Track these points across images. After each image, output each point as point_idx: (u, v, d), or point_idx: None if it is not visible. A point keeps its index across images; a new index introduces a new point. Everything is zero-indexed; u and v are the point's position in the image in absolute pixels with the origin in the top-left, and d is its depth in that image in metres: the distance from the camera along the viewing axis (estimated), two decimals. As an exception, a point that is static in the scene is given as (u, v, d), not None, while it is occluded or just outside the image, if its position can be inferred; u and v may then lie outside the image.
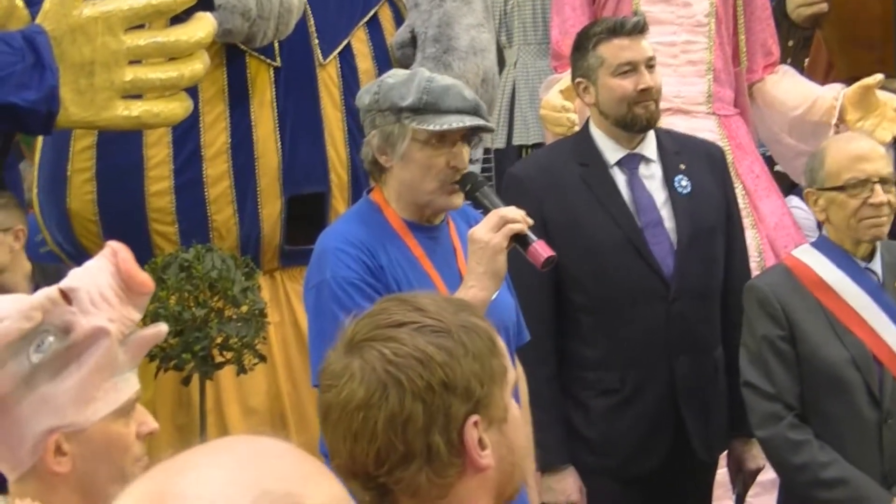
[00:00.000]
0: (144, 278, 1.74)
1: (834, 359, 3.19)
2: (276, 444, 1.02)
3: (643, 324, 3.36)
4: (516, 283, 3.14)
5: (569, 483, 3.37)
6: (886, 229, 3.23)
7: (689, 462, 3.42)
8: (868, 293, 3.22)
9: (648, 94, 3.37)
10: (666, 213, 3.42)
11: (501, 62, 5.83)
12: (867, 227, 3.21)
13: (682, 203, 3.42)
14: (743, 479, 3.61)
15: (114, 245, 1.74)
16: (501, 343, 1.66)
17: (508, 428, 1.63)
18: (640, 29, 3.41)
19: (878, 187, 3.17)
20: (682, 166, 3.46)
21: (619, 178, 3.43)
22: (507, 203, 2.78)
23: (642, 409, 3.38)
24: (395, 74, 2.85)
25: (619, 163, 3.43)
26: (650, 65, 3.40)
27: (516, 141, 6.03)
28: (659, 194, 3.43)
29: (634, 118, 3.39)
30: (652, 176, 3.45)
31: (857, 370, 3.18)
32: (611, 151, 3.44)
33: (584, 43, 3.46)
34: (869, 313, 3.21)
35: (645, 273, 3.36)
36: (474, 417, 1.57)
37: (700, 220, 3.43)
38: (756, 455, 3.48)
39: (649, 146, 3.46)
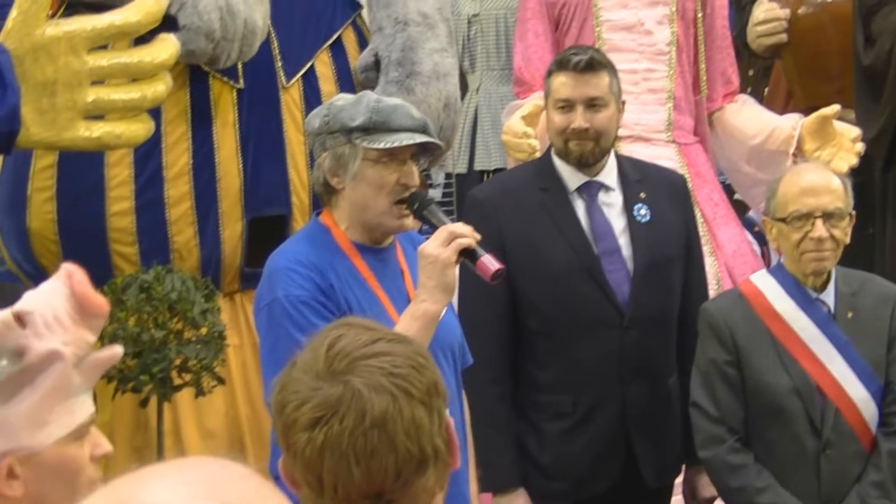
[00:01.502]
0: (99, 301, 1.74)
1: (777, 387, 3.24)
2: (239, 467, 1.03)
3: (597, 350, 3.39)
4: (471, 303, 3.18)
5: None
6: (829, 264, 3.27)
7: (641, 488, 3.45)
8: (816, 324, 3.27)
9: (583, 134, 3.41)
10: (624, 241, 3.45)
11: (464, 87, 5.87)
12: (808, 260, 3.26)
13: (641, 231, 3.45)
14: None
15: (68, 267, 1.73)
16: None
17: None
18: (582, 67, 3.43)
19: (818, 222, 3.21)
20: (643, 195, 3.49)
21: (579, 205, 3.46)
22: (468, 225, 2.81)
23: (594, 434, 3.40)
24: (343, 98, 2.92)
25: (578, 189, 3.47)
26: (593, 104, 3.42)
27: (478, 166, 6.06)
28: (618, 222, 3.46)
29: (568, 153, 3.46)
30: (611, 204, 3.48)
31: (799, 399, 3.23)
32: (571, 178, 3.47)
33: (547, 72, 3.55)
34: (816, 344, 3.26)
35: (600, 300, 3.39)
36: (448, 416, 1.65)
37: (658, 249, 3.46)
38: (710, 483, 3.50)
39: (610, 174, 3.50)
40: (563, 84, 3.44)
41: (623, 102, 3.57)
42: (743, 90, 5.32)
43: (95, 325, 1.74)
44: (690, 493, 3.62)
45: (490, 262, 2.72)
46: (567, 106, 3.43)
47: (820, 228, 3.22)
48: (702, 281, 3.69)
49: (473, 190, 3.73)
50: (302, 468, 1.64)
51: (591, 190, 3.49)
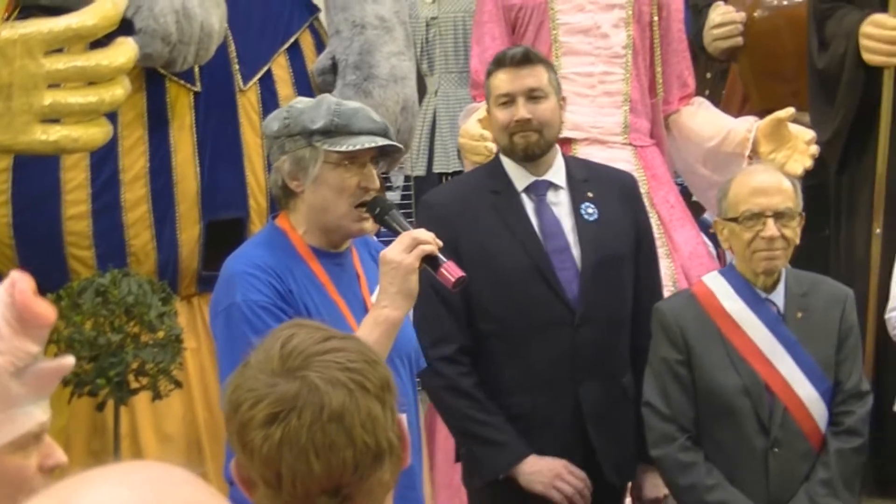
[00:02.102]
0: (42, 310, 1.70)
1: (726, 386, 3.28)
2: (181, 472, 1.04)
3: (550, 349, 3.42)
4: (433, 298, 3.19)
5: (546, 462, 3.39)
6: (780, 263, 3.31)
7: (602, 484, 3.47)
8: (765, 324, 3.31)
9: (526, 125, 3.45)
10: (572, 240, 3.48)
11: (423, 90, 5.87)
12: (759, 259, 3.30)
13: (589, 230, 3.48)
14: None
15: (15, 275, 1.71)
16: None
17: None
18: (518, 60, 3.48)
19: (769, 221, 3.25)
20: (590, 194, 3.52)
21: (528, 205, 3.49)
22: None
23: (551, 435, 3.43)
24: (303, 101, 2.92)
25: (527, 189, 3.49)
26: (533, 96, 3.47)
27: (436, 169, 6.07)
28: (566, 220, 3.49)
29: (513, 147, 3.48)
30: (559, 202, 3.51)
31: (748, 398, 3.27)
32: (519, 178, 3.50)
33: (486, 74, 3.59)
34: (765, 343, 3.30)
35: (551, 299, 3.42)
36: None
37: (606, 247, 3.48)
38: (657, 484, 3.52)
39: (558, 173, 3.53)
40: (501, 80, 3.49)
41: (564, 99, 3.60)
42: (701, 93, 5.35)
43: (38, 335, 1.71)
44: (637, 492, 3.64)
45: (452, 270, 2.72)
46: (508, 100, 3.47)
47: (771, 227, 3.26)
48: (654, 280, 3.71)
49: (426, 196, 3.74)
50: (259, 466, 1.64)
51: (539, 189, 3.52)
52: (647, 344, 3.43)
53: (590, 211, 3.50)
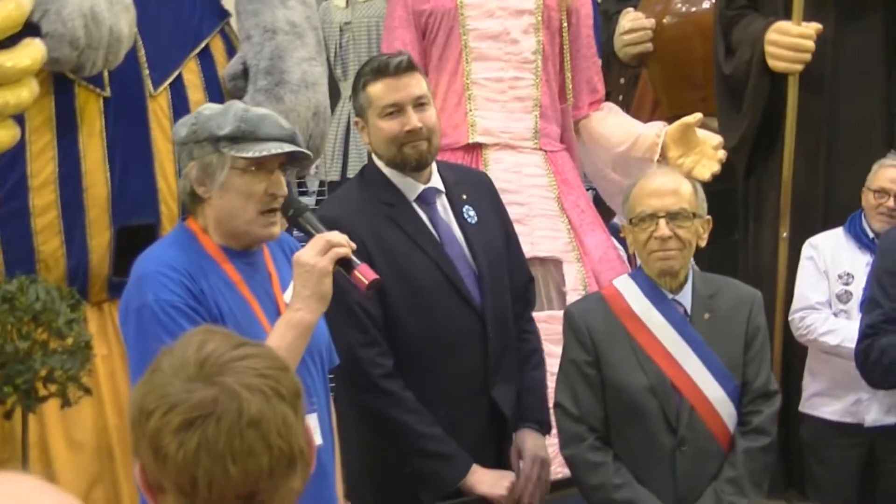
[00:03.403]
0: None
1: (634, 386, 3.31)
2: (52, 489, 1.03)
3: (468, 359, 3.40)
4: (356, 318, 3.18)
5: (489, 472, 3.37)
6: (676, 263, 3.34)
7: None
8: (672, 324, 3.35)
9: (417, 135, 3.36)
10: (464, 244, 3.46)
11: (336, 95, 5.87)
12: (655, 259, 3.34)
13: (474, 233, 3.46)
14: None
15: None
16: None
17: None
18: (404, 68, 3.38)
19: (661, 221, 3.30)
20: (464, 196, 3.50)
21: (423, 215, 3.44)
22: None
23: (469, 443, 3.42)
24: (211, 107, 2.89)
25: (417, 199, 3.44)
26: (419, 104, 3.38)
27: (351, 173, 6.06)
28: (454, 226, 3.47)
29: (404, 158, 3.38)
30: (445, 208, 3.48)
31: (654, 398, 3.30)
32: (408, 188, 3.43)
33: (357, 82, 3.46)
34: (671, 343, 3.33)
35: (463, 309, 3.39)
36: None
37: (491, 248, 3.48)
38: (541, 445, 3.48)
39: (437, 178, 3.48)
40: (386, 89, 3.37)
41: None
42: (615, 98, 5.42)
43: None
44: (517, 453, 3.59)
45: (366, 273, 2.72)
46: (396, 110, 3.37)
47: (663, 227, 3.30)
48: (524, 272, 3.68)
49: (322, 211, 3.62)
50: (173, 472, 1.63)
51: (428, 197, 3.46)
52: (522, 338, 3.49)
53: (471, 214, 3.47)
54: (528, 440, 3.47)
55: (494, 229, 3.52)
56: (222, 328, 1.79)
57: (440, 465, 3.35)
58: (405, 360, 3.39)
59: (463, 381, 3.40)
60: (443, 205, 3.47)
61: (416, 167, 3.41)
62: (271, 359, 1.68)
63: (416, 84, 3.39)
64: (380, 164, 3.46)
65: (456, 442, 3.37)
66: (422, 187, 3.45)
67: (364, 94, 3.41)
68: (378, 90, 3.38)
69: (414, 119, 3.36)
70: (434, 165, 3.48)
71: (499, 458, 3.46)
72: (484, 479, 3.35)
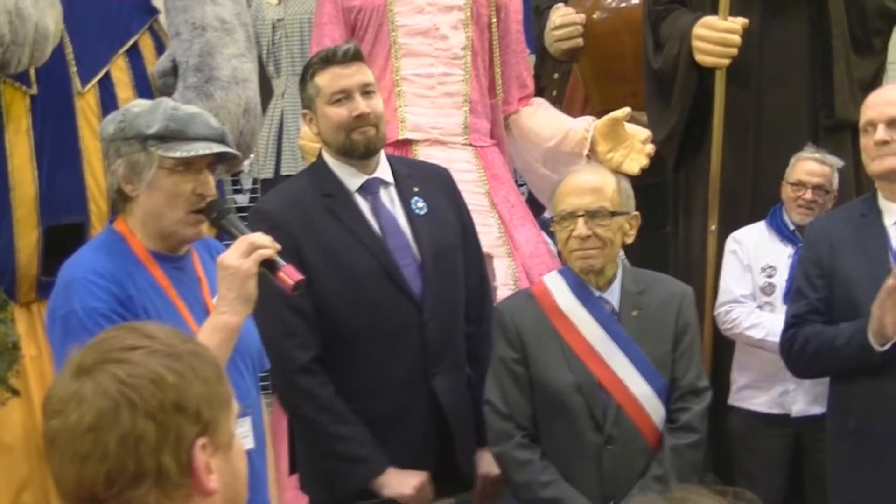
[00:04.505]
0: None
1: (561, 383, 3.33)
2: None
3: (403, 349, 3.43)
4: (277, 309, 3.17)
5: (402, 476, 3.41)
6: (597, 262, 3.36)
7: (452, 477, 3.52)
8: (599, 322, 3.36)
9: (365, 120, 3.44)
10: (409, 235, 3.49)
11: (269, 92, 5.86)
12: (575, 258, 3.36)
13: (422, 224, 3.50)
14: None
15: None
16: (225, 373, 1.70)
17: (233, 455, 1.68)
18: (351, 56, 3.47)
19: (580, 220, 3.32)
20: (416, 188, 3.54)
21: (363, 205, 3.49)
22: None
23: (410, 433, 3.44)
24: (140, 104, 2.88)
25: (360, 189, 3.50)
26: (367, 91, 3.47)
27: (284, 171, 6.06)
28: (400, 217, 3.51)
29: (353, 145, 3.46)
30: (392, 199, 3.52)
31: (581, 395, 3.32)
32: (350, 179, 3.50)
33: (304, 74, 3.54)
34: (598, 341, 3.35)
35: (399, 298, 3.43)
36: (202, 440, 1.62)
37: (440, 239, 3.52)
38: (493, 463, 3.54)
39: (385, 170, 3.55)
40: (335, 77, 3.46)
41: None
42: (549, 93, 5.44)
43: None
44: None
45: (291, 274, 2.72)
46: (344, 97, 3.45)
47: (581, 227, 3.32)
48: (481, 268, 3.73)
49: (258, 204, 3.68)
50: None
51: (371, 188, 3.52)
52: (479, 332, 3.49)
53: (420, 205, 3.52)
54: (483, 457, 3.55)
55: (447, 222, 3.57)
56: (160, 327, 1.72)
57: (348, 466, 3.37)
58: (340, 350, 3.40)
59: (401, 372, 3.42)
60: (389, 195, 3.52)
61: (364, 153, 3.47)
62: (150, 370, 1.61)
63: (363, 72, 3.48)
64: (326, 155, 3.53)
65: (396, 433, 3.39)
66: (365, 178, 3.49)
67: (312, 84, 3.49)
68: (326, 78, 3.46)
69: (362, 105, 3.43)
70: (383, 157, 3.53)
71: (441, 448, 3.48)
72: (390, 482, 3.38)
